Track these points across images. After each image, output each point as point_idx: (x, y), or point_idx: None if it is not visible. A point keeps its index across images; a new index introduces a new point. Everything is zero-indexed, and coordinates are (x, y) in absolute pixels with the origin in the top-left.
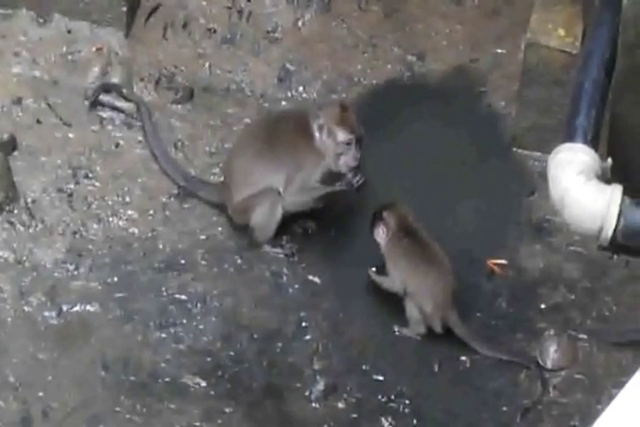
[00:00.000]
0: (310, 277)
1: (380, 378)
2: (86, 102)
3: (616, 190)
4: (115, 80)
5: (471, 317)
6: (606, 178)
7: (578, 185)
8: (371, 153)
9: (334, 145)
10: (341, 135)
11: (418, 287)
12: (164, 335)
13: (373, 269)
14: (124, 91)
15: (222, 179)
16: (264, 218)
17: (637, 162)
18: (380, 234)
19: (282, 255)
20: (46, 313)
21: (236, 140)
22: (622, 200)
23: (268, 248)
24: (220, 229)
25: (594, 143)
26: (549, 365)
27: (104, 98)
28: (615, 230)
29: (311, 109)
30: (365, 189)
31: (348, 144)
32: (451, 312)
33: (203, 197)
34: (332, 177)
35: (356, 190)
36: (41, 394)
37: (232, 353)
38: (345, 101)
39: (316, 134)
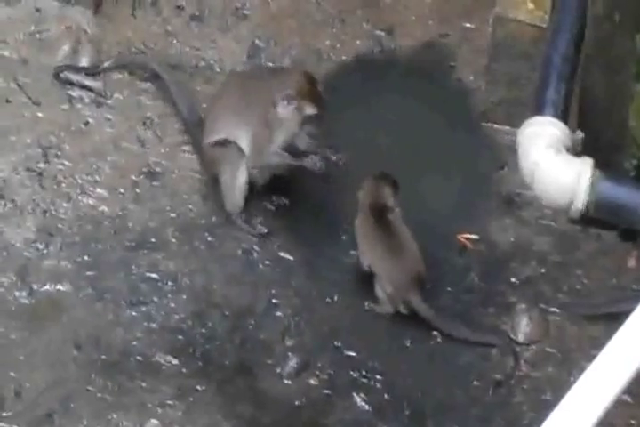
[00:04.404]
0: (282, 254)
1: (352, 354)
2: (55, 80)
3: (586, 163)
4: (84, 58)
5: (442, 292)
6: (577, 151)
7: (548, 158)
8: (340, 128)
9: (299, 117)
10: (309, 109)
11: (378, 270)
12: (135, 314)
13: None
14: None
15: None
16: (231, 176)
17: (607, 135)
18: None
19: (253, 236)
20: (17, 293)
21: (222, 85)
22: (593, 173)
23: (240, 221)
24: (190, 206)
25: (564, 116)
26: (521, 339)
27: (73, 77)
28: (586, 203)
29: (275, 77)
30: (334, 169)
31: (310, 118)
32: (413, 296)
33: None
34: (292, 150)
35: (319, 173)
36: (13, 374)
37: (203, 331)
38: (310, 73)
39: (281, 103)
